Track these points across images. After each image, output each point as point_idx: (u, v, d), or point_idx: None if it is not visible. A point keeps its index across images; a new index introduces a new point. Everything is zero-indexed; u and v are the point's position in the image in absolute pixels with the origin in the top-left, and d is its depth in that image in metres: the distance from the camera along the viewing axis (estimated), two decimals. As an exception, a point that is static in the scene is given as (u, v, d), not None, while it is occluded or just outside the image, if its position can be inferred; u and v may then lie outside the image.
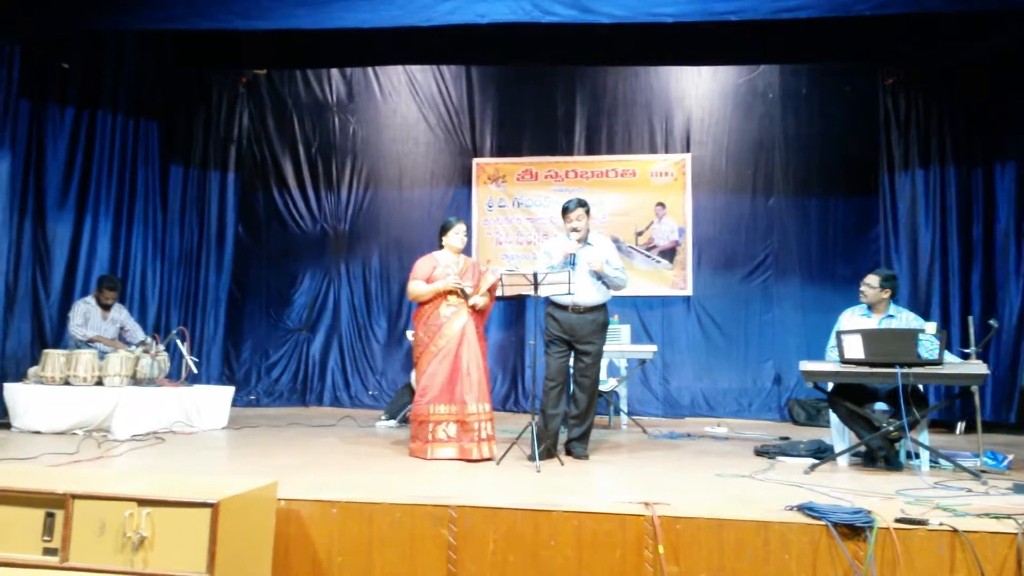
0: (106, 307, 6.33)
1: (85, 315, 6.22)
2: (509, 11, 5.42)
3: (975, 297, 6.67)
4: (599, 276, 4.75)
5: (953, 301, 6.74)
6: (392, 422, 6.50)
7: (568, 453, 4.77)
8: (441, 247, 4.97)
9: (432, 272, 4.82)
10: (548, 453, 4.57)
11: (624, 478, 4.17)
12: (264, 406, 8.03)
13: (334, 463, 4.45)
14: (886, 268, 4.99)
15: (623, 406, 6.93)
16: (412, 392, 6.68)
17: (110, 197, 6.92)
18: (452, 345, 4.66)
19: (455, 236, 4.91)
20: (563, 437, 4.89)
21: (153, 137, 7.35)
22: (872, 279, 4.79)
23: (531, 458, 4.36)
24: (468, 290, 4.79)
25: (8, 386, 5.69)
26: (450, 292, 4.75)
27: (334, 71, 8.63)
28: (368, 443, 5.42)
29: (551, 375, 4.77)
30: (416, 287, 4.81)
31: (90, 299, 6.33)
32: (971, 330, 5.01)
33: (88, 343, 6.12)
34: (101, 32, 6.53)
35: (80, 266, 6.70)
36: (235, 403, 6.38)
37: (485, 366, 4.80)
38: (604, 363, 6.17)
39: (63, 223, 6.58)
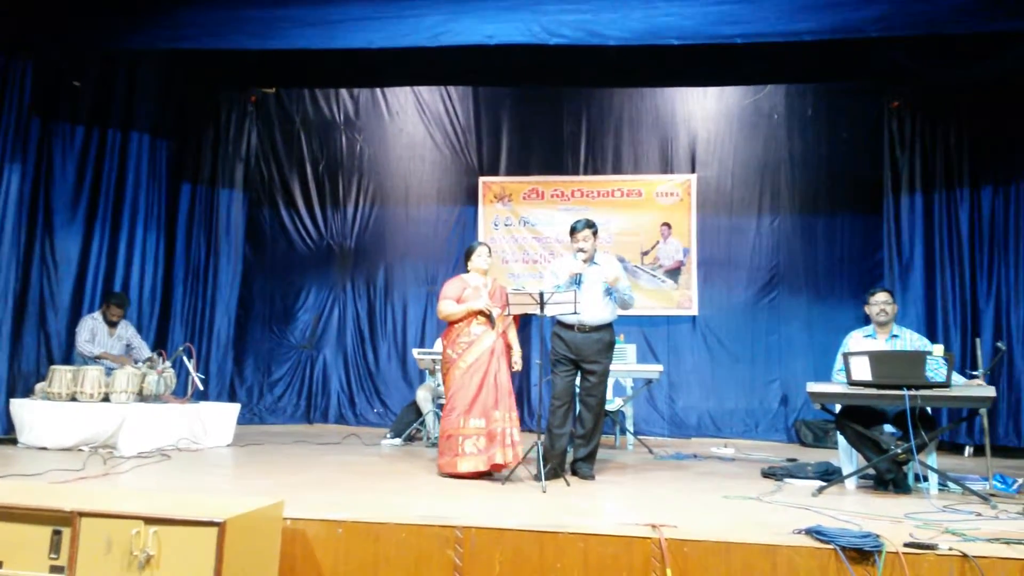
0: (112, 324, 6.35)
1: (92, 331, 6.25)
2: (517, 33, 5.47)
3: (983, 319, 6.64)
4: (611, 291, 4.76)
5: (961, 323, 6.71)
6: (397, 440, 6.48)
7: (574, 473, 4.75)
8: (467, 270, 5.11)
9: (462, 293, 4.94)
10: (554, 473, 4.56)
11: (631, 499, 4.14)
12: (268, 423, 8.03)
13: (340, 482, 4.43)
14: (883, 285, 5.01)
15: (629, 426, 6.90)
16: (417, 410, 6.71)
17: (119, 214, 6.94)
18: (483, 361, 4.73)
19: (479, 258, 5.05)
20: (569, 457, 4.88)
21: (162, 155, 7.36)
22: (885, 296, 4.80)
23: (537, 478, 4.35)
24: (496, 313, 4.86)
25: (15, 402, 5.70)
26: (479, 312, 4.84)
27: (342, 90, 8.71)
28: (374, 462, 5.40)
29: (557, 394, 4.77)
30: (448, 307, 4.90)
31: (97, 315, 6.35)
32: (979, 352, 5.00)
33: (96, 359, 6.13)
34: (113, 51, 6.59)
35: (88, 282, 6.72)
36: (239, 420, 6.36)
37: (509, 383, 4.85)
38: (610, 383, 6.15)
39: (71, 239, 6.61)
